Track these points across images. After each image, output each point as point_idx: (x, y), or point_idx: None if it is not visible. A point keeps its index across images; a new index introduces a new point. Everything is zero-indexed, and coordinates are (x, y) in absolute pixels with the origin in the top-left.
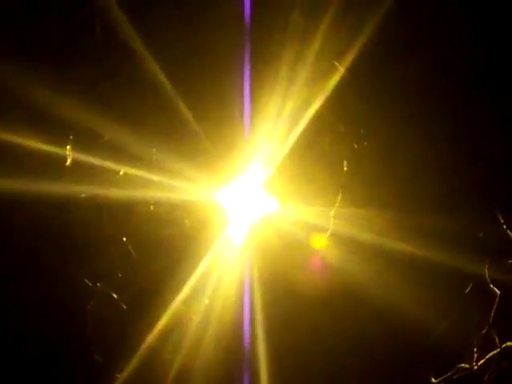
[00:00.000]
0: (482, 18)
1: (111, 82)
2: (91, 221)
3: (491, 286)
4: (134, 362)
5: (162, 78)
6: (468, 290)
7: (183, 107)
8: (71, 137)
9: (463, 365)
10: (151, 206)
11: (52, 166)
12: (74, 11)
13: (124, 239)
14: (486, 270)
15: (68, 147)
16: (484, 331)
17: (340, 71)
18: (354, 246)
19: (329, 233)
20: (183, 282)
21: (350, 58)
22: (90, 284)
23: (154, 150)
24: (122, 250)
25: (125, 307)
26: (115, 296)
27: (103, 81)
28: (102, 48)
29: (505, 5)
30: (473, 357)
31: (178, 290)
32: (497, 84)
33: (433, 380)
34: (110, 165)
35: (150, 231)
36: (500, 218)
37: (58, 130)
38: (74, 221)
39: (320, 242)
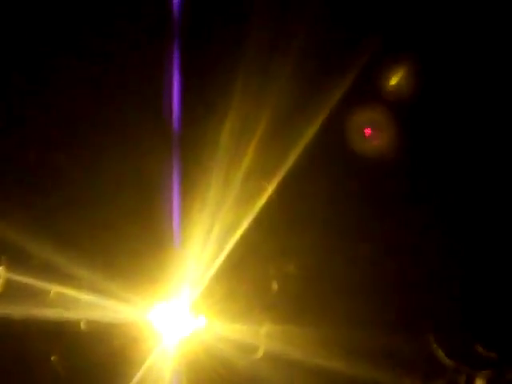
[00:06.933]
0: None
1: (47, 202)
2: (21, 340)
3: None
4: None
5: (96, 197)
6: None
7: (117, 228)
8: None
9: None
10: (81, 326)
11: None
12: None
13: (52, 358)
14: None
15: (0, 268)
16: None
17: (268, 192)
18: (282, 362)
19: (261, 350)
20: None
21: (277, 179)
22: None
23: (86, 269)
24: (50, 369)
25: None
26: None
27: (39, 202)
28: (37, 169)
29: None
30: None
31: None
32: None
33: None
34: (41, 285)
35: (80, 350)
36: (430, 338)
37: None
38: (4, 339)
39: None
